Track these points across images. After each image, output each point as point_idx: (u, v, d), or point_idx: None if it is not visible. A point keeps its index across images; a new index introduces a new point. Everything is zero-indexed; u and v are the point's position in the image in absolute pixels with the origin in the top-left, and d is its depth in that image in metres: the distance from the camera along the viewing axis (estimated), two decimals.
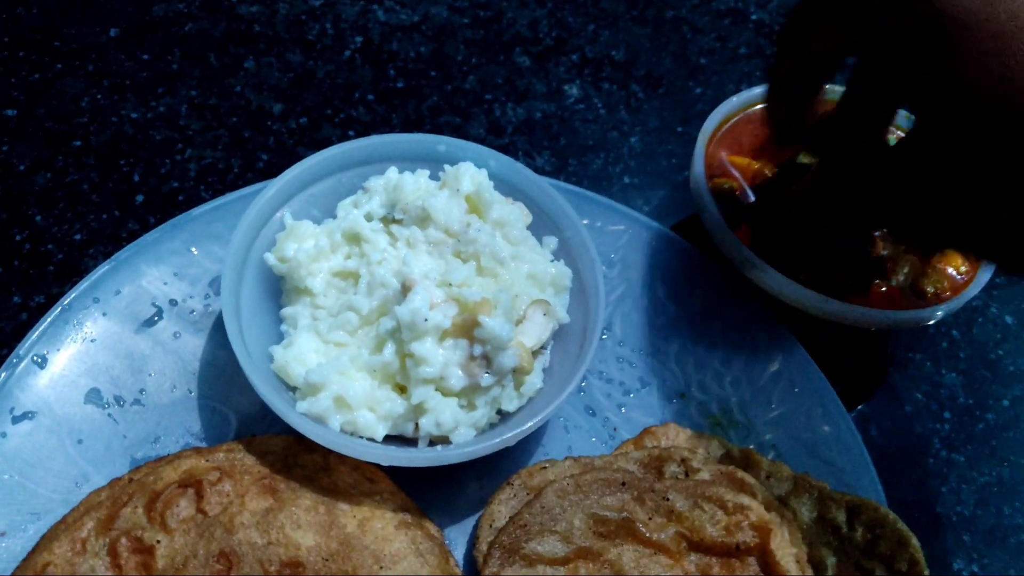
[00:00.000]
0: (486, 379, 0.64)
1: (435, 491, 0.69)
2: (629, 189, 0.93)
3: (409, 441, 0.66)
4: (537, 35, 1.05)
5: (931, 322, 0.76)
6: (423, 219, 0.69)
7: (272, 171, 0.87)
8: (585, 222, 0.82)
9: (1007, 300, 0.91)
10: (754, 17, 1.11)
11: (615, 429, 0.75)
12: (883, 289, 0.78)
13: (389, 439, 0.65)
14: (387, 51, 1.00)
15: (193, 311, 0.73)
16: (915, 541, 0.67)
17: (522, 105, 0.98)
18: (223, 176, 0.87)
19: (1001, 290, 0.91)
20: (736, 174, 0.83)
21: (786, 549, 0.64)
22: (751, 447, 0.73)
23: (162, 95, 0.92)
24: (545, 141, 0.96)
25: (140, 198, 0.84)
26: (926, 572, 0.65)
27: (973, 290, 0.77)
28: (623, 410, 0.75)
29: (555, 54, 1.03)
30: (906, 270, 0.78)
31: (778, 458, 0.73)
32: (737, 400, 0.76)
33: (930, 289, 0.78)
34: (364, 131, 0.92)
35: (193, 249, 0.75)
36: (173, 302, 0.74)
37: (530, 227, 0.75)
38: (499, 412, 0.68)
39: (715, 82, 1.03)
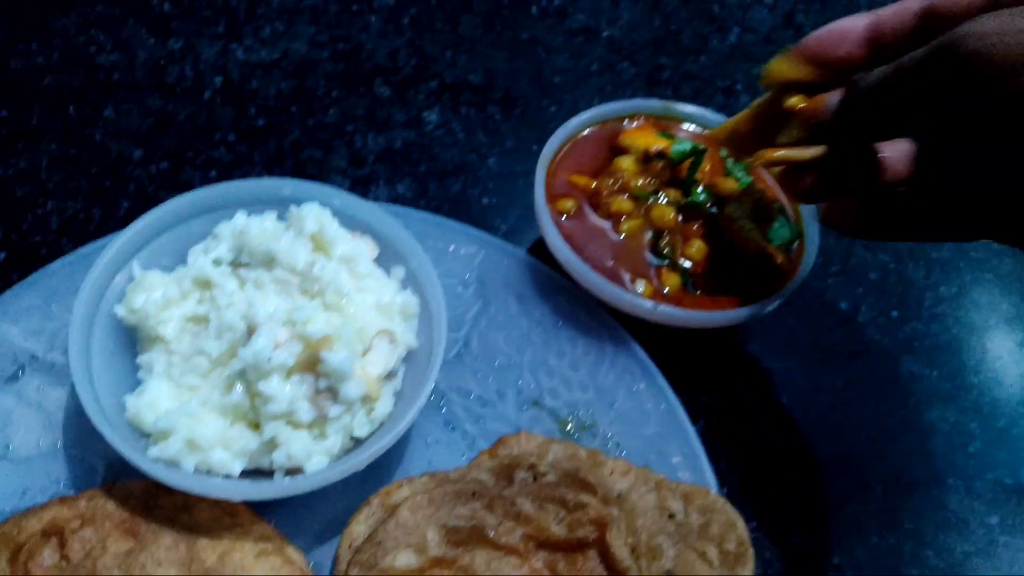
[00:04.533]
0: (334, 410, 0.68)
1: (301, 517, 0.73)
2: (488, 210, 0.98)
3: (268, 473, 0.70)
4: (397, 64, 1.09)
5: (765, 313, 0.83)
6: (270, 261, 0.73)
7: (133, 218, 0.89)
8: (440, 246, 0.88)
9: (841, 287, 0.98)
10: (605, 34, 1.17)
11: (473, 440, 0.80)
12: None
13: (248, 472, 0.69)
14: (247, 90, 1.03)
15: (55, 364, 0.76)
16: (741, 522, 0.74)
17: (383, 134, 1.02)
18: (85, 226, 0.89)
19: (836, 278, 0.99)
20: (576, 194, 0.89)
21: (620, 540, 0.70)
22: (597, 447, 0.79)
23: (22, 151, 0.94)
24: (406, 168, 1.00)
25: (2, 255, 0.86)
26: (751, 550, 0.72)
27: (795, 283, 0.84)
28: (481, 422, 0.81)
29: (414, 82, 1.08)
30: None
31: (622, 455, 0.79)
32: (585, 403, 0.82)
33: (755, 287, 0.85)
34: (225, 171, 0.95)
35: (52, 304, 0.78)
36: (34, 357, 0.76)
37: (379, 258, 0.79)
38: (353, 437, 0.72)
39: (568, 100, 1.09)
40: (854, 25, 0.65)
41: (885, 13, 0.64)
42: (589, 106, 1.06)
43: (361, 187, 0.97)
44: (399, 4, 1.15)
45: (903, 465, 0.87)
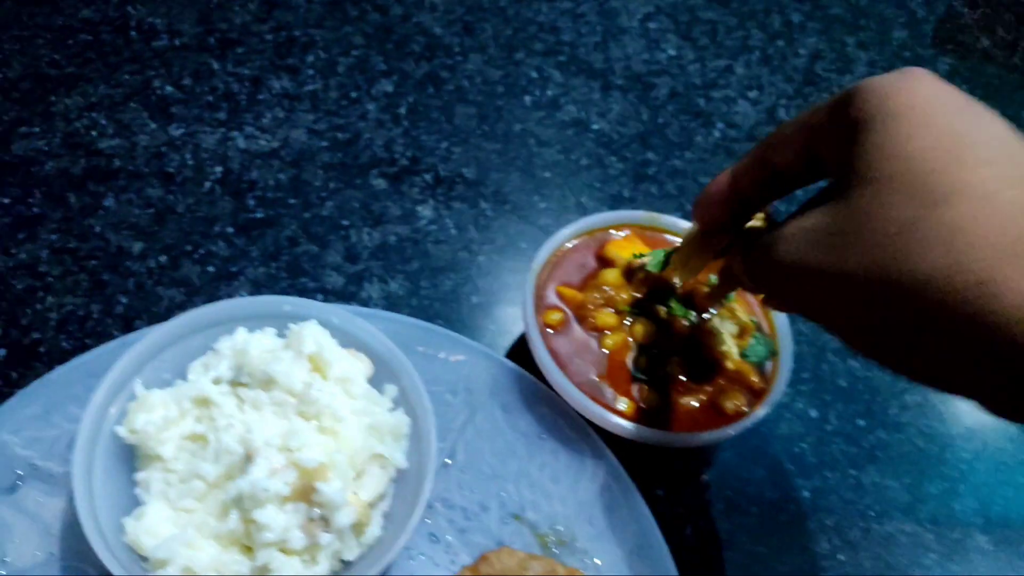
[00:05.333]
0: (325, 539, 0.71)
1: None
2: (476, 309, 1.02)
3: None
4: (393, 155, 1.12)
5: (739, 433, 0.87)
6: (268, 382, 0.76)
7: (130, 315, 0.92)
8: (431, 352, 0.91)
9: (811, 395, 1.03)
10: (595, 127, 1.21)
11: (456, 554, 0.83)
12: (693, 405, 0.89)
13: None
14: (247, 180, 1.05)
15: (52, 473, 0.78)
16: None
17: (377, 229, 1.05)
18: (83, 323, 0.91)
19: (807, 384, 1.04)
20: (563, 306, 0.92)
21: None
22: (575, 563, 0.83)
23: (23, 241, 0.95)
24: (399, 265, 1.03)
25: (2, 353, 0.88)
26: None
27: (767, 406, 0.88)
28: (464, 534, 0.84)
29: (409, 174, 1.11)
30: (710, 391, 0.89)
31: (599, 571, 0.83)
32: (564, 517, 0.85)
33: (729, 405, 0.89)
34: (223, 266, 0.98)
35: (52, 414, 0.80)
36: (34, 467, 0.78)
37: (373, 377, 0.82)
38: (342, 560, 0.75)
39: (557, 196, 1.13)
40: (720, 185, 0.70)
41: (739, 166, 0.69)
42: (577, 201, 1.10)
43: (355, 284, 1.00)
44: (397, 92, 1.18)
45: None
